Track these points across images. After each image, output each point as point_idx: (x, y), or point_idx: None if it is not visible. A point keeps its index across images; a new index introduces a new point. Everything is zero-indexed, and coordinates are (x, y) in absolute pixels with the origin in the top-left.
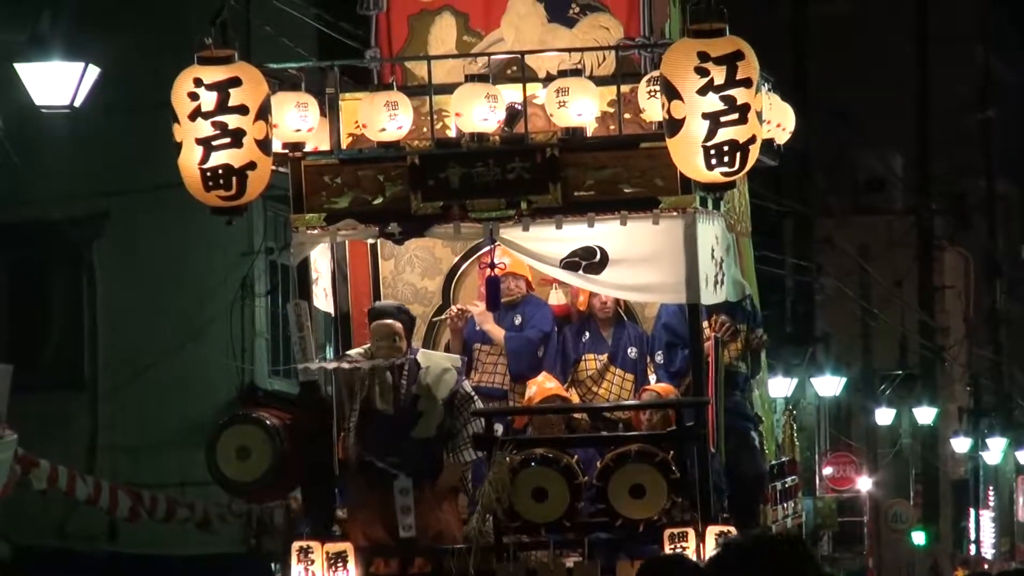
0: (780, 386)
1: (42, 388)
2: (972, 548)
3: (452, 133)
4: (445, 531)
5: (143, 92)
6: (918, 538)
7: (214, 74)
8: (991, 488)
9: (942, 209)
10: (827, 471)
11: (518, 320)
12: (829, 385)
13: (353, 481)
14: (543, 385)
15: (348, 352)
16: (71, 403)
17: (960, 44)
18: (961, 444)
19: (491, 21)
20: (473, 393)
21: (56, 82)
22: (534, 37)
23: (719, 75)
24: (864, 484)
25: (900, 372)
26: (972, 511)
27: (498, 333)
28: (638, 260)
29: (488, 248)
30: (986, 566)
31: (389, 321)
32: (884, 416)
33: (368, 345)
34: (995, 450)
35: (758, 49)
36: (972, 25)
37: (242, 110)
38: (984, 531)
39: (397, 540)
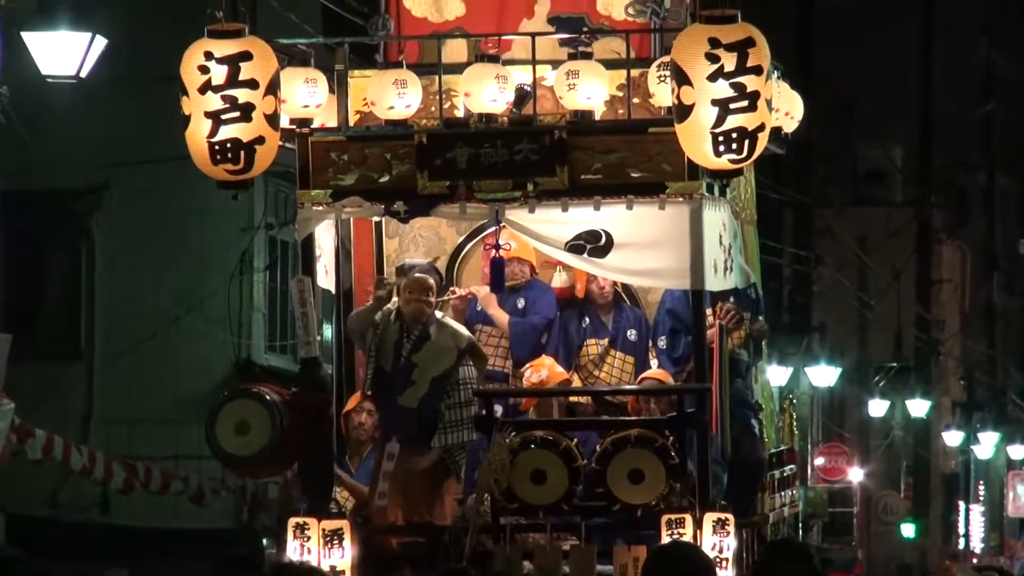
0: (775, 375)
1: (39, 357)
2: (961, 542)
3: (460, 113)
4: (414, 511)
5: (147, 64)
6: (908, 530)
7: (225, 48)
8: (982, 482)
9: (941, 202)
10: (819, 461)
11: (521, 304)
12: (824, 375)
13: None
14: (553, 369)
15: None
16: (67, 373)
17: (963, 37)
18: (953, 438)
19: (503, 43)
20: (472, 378)
21: (63, 52)
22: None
23: (730, 62)
24: (855, 475)
25: (895, 364)
26: (962, 505)
27: (502, 318)
28: (643, 245)
29: (493, 229)
30: (975, 560)
31: (425, 276)
32: (877, 408)
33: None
34: (987, 445)
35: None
36: (976, 18)
37: (252, 84)
38: (973, 525)
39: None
